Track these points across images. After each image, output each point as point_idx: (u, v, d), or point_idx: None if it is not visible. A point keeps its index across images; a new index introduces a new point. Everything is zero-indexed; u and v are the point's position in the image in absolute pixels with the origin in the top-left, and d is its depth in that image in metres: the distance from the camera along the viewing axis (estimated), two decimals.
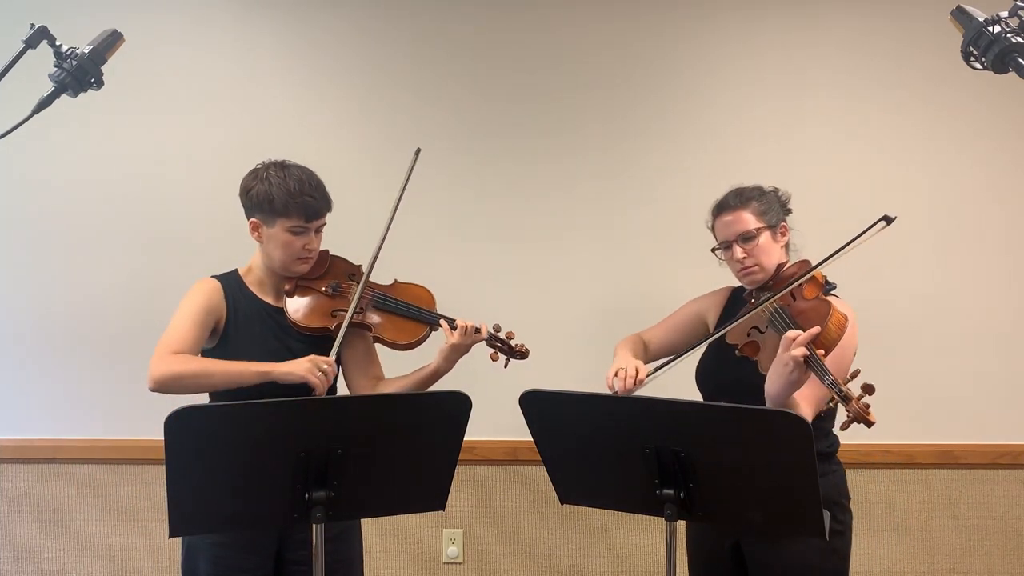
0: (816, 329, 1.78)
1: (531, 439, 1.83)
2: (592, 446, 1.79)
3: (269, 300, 2.11)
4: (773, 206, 2.11)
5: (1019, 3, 1.42)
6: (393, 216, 2.13)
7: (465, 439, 1.78)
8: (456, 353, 2.08)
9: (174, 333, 2.00)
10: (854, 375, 1.81)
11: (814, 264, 1.99)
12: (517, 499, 2.90)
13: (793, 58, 2.85)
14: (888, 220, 1.94)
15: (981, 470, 2.84)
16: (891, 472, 2.85)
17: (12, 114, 1.52)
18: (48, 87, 1.57)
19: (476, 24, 2.86)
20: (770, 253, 2.07)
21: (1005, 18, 1.42)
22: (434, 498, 1.84)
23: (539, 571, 2.90)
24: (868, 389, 1.74)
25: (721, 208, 2.12)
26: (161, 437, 1.58)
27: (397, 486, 1.82)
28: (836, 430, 2.01)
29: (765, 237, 2.06)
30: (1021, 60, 1.38)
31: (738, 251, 2.06)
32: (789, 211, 2.16)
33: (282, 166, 2.06)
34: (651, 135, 2.86)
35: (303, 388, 1.96)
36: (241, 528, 2.00)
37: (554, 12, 2.86)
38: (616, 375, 1.95)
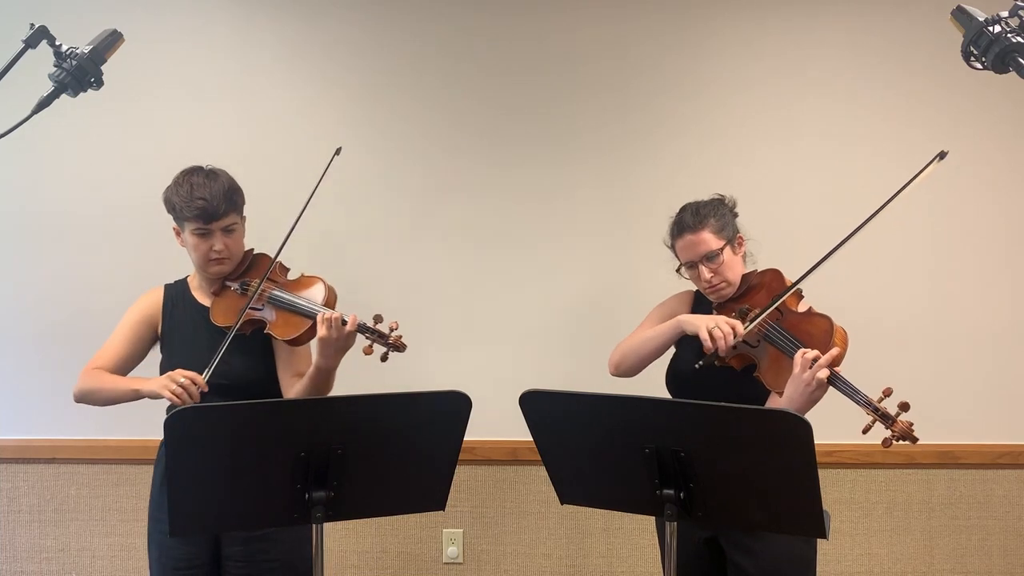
0: (836, 351, 1.85)
1: (531, 439, 1.83)
2: (592, 446, 1.79)
3: (205, 302, 2.17)
4: (728, 219, 2.15)
5: (1019, 3, 1.42)
6: (303, 212, 2.11)
7: (465, 439, 1.78)
8: (328, 347, 1.97)
9: (102, 349, 2.17)
10: (887, 393, 1.83)
11: (861, 223, 2.04)
12: (517, 499, 2.90)
13: (793, 60, 2.84)
14: (942, 155, 1.98)
15: (981, 470, 2.84)
16: (891, 472, 2.85)
17: (12, 114, 1.53)
18: (48, 87, 1.58)
19: (475, 26, 2.86)
20: (734, 267, 2.12)
21: (1005, 18, 1.42)
22: (434, 498, 1.84)
23: (539, 571, 2.90)
24: (904, 407, 1.79)
25: (681, 229, 2.14)
26: (160, 437, 1.58)
27: (397, 486, 1.82)
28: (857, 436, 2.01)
29: (727, 253, 2.11)
30: (1021, 60, 1.38)
31: (705, 272, 2.10)
32: (736, 215, 2.20)
33: (188, 172, 2.11)
34: (648, 133, 2.86)
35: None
36: (242, 528, 2.01)
37: (551, 12, 2.86)
38: (712, 336, 1.95)
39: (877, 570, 2.87)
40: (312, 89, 2.87)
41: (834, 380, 1.82)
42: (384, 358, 2.01)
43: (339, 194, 2.81)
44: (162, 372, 2.13)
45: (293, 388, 2.09)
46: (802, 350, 1.86)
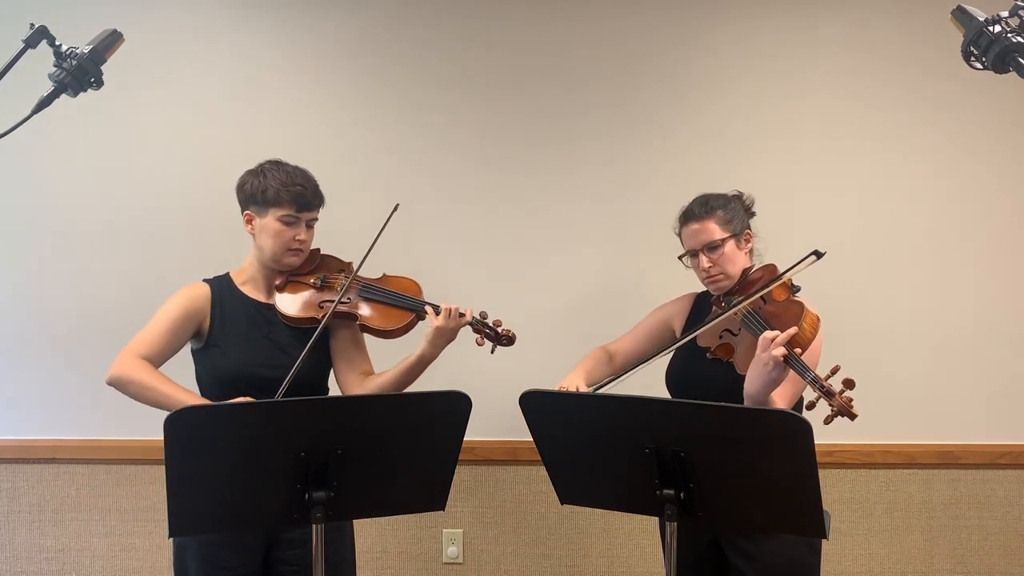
0: (794, 329, 1.85)
1: (531, 439, 1.83)
2: (592, 446, 1.79)
3: (259, 297, 2.15)
4: (738, 213, 2.17)
5: (1019, 3, 1.43)
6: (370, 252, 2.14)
7: (465, 439, 1.78)
8: (440, 337, 2.07)
9: (146, 337, 2.07)
10: (835, 371, 1.83)
11: (782, 271, 2.05)
12: (517, 499, 2.90)
13: (793, 58, 2.85)
14: (818, 255, 2.01)
15: (981, 470, 2.84)
16: (891, 472, 2.85)
17: (12, 114, 1.52)
18: (48, 87, 1.58)
19: (477, 28, 2.86)
20: (735, 261, 2.13)
21: (1005, 18, 1.42)
22: (434, 498, 1.84)
23: (539, 571, 2.90)
24: (849, 384, 1.80)
25: (687, 217, 2.18)
26: (161, 437, 1.58)
27: (397, 486, 1.82)
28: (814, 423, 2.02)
29: (730, 246, 2.13)
30: (1021, 60, 1.39)
31: (704, 260, 2.12)
32: (753, 214, 2.22)
33: (277, 162, 2.14)
34: (651, 133, 2.86)
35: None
36: (241, 528, 2.00)
37: (554, 15, 2.86)
38: None
39: (877, 570, 2.87)
40: (315, 89, 2.87)
41: (789, 359, 1.82)
42: (493, 351, 2.17)
43: (339, 195, 2.81)
44: (208, 370, 2.10)
45: (364, 383, 2.13)
46: (767, 332, 1.87)
